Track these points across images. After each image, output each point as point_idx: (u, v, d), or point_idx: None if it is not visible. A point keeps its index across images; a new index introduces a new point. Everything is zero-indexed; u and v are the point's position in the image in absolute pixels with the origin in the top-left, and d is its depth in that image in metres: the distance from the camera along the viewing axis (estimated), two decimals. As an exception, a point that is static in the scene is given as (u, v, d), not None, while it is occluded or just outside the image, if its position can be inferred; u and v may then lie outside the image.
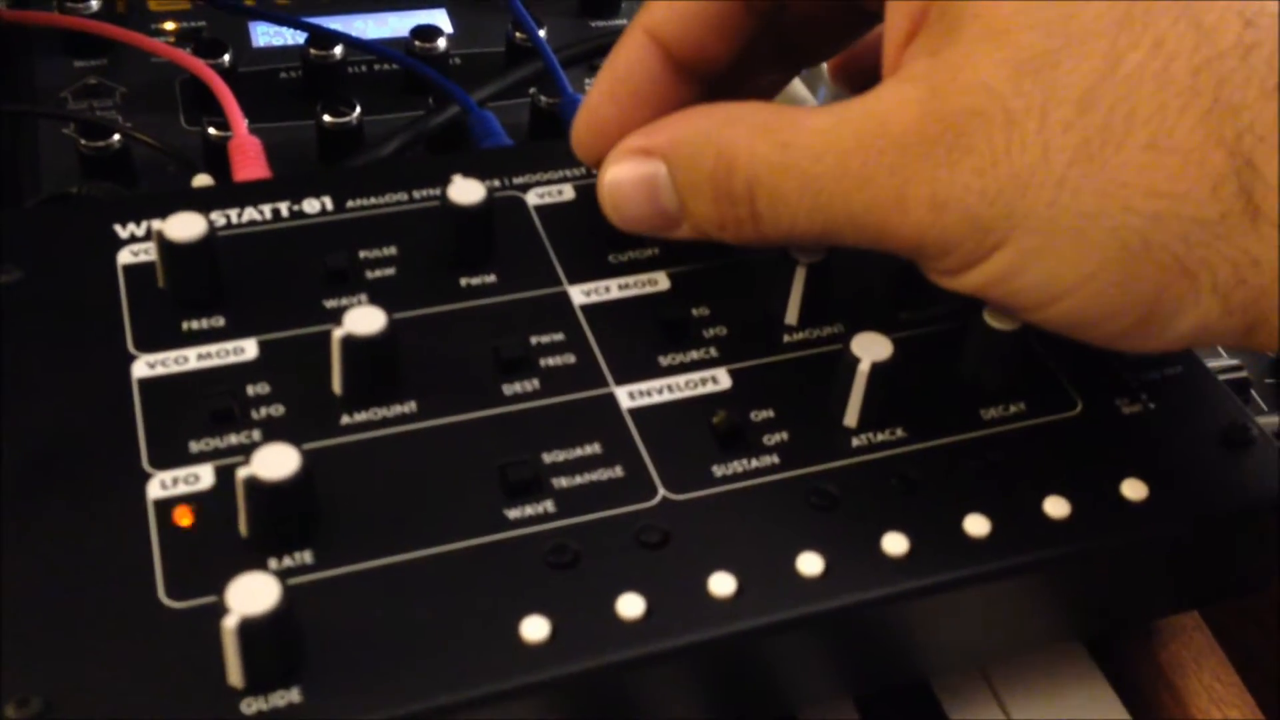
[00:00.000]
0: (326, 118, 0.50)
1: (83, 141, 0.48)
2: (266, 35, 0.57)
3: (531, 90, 0.53)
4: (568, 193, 0.38)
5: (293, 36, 0.57)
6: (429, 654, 0.27)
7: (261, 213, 0.37)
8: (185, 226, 0.33)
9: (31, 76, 0.53)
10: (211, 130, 0.49)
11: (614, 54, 0.34)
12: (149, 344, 0.33)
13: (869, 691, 0.34)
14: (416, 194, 0.38)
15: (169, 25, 0.56)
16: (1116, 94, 0.25)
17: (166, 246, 0.33)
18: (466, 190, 0.35)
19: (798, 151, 0.28)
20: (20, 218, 0.38)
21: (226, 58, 0.52)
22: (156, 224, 0.33)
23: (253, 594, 0.25)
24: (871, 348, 0.31)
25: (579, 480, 0.31)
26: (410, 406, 0.32)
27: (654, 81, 0.33)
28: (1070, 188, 0.25)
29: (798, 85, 0.56)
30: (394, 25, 0.58)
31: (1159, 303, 0.26)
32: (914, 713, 0.34)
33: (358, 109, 0.50)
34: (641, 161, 0.32)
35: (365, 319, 0.31)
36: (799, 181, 0.28)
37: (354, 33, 0.55)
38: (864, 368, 0.31)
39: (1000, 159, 0.26)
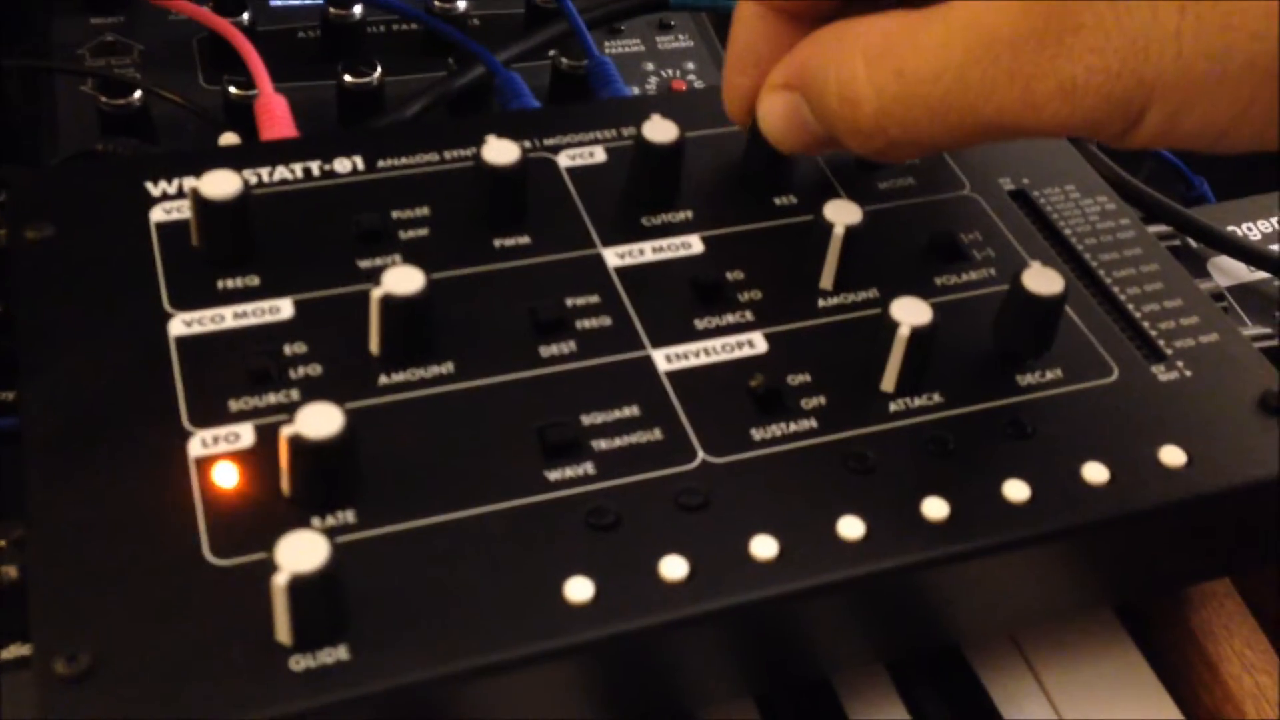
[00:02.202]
0: (347, 78, 0.49)
1: (103, 99, 0.47)
2: (284, -8, 0.56)
3: (552, 53, 0.52)
4: (599, 155, 0.38)
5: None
6: (474, 613, 0.27)
7: (293, 171, 0.36)
8: (220, 184, 0.32)
9: (49, 33, 0.53)
10: (232, 89, 0.48)
11: (732, 29, 0.34)
12: (185, 302, 0.32)
13: (901, 656, 0.34)
14: (448, 154, 0.38)
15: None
16: None
17: (202, 204, 0.33)
18: (501, 150, 0.34)
19: (913, 78, 0.28)
20: (51, 174, 0.37)
21: (246, 16, 0.51)
22: (191, 182, 0.33)
23: (302, 551, 0.25)
24: (911, 312, 0.31)
25: (618, 442, 0.31)
26: (447, 367, 0.32)
27: (776, 40, 0.33)
28: (1190, 35, 0.25)
29: None
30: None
31: None
32: (945, 677, 0.34)
33: (379, 69, 0.50)
34: (781, 95, 0.32)
35: (404, 279, 0.31)
36: (924, 108, 0.28)
37: (373, -9, 0.54)
38: (903, 332, 0.31)
39: (1112, 31, 0.25)
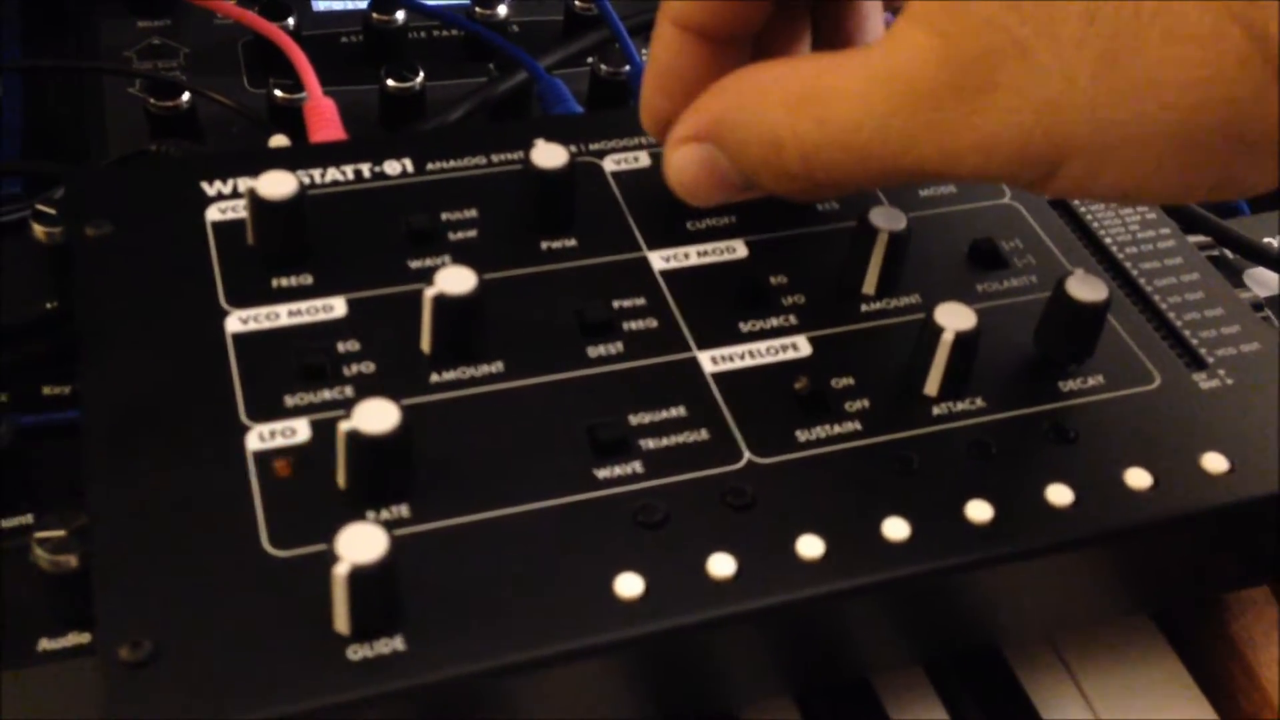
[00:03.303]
0: (390, 82, 0.50)
1: (152, 100, 0.48)
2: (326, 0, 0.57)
3: (590, 59, 0.53)
4: (643, 160, 0.39)
5: (352, 1, 0.57)
6: (527, 607, 0.28)
7: (344, 173, 0.37)
8: (277, 185, 0.33)
9: (96, 36, 0.54)
10: (278, 92, 0.49)
11: (652, 49, 0.34)
12: (240, 299, 0.33)
13: (941, 657, 0.35)
14: (495, 158, 0.38)
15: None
16: None
17: (259, 204, 0.33)
18: (549, 154, 0.35)
19: (836, 126, 0.29)
20: (109, 173, 0.38)
21: (291, 21, 0.52)
22: (249, 182, 0.33)
23: (361, 543, 0.26)
24: (955, 317, 0.32)
25: (665, 442, 0.31)
26: (497, 366, 0.33)
27: (698, 66, 0.33)
28: (1103, 101, 0.25)
29: None
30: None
31: (1230, 170, 0.26)
32: (984, 678, 0.35)
33: (420, 74, 0.50)
34: (694, 147, 0.32)
35: (456, 279, 0.31)
36: (845, 154, 0.29)
37: (413, -2, 0.55)
38: (948, 337, 0.32)
39: (1026, 91, 0.26)
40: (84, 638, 0.31)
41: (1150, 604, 0.36)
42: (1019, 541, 0.30)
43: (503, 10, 0.55)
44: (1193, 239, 0.47)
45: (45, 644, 0.31)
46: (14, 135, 0.51)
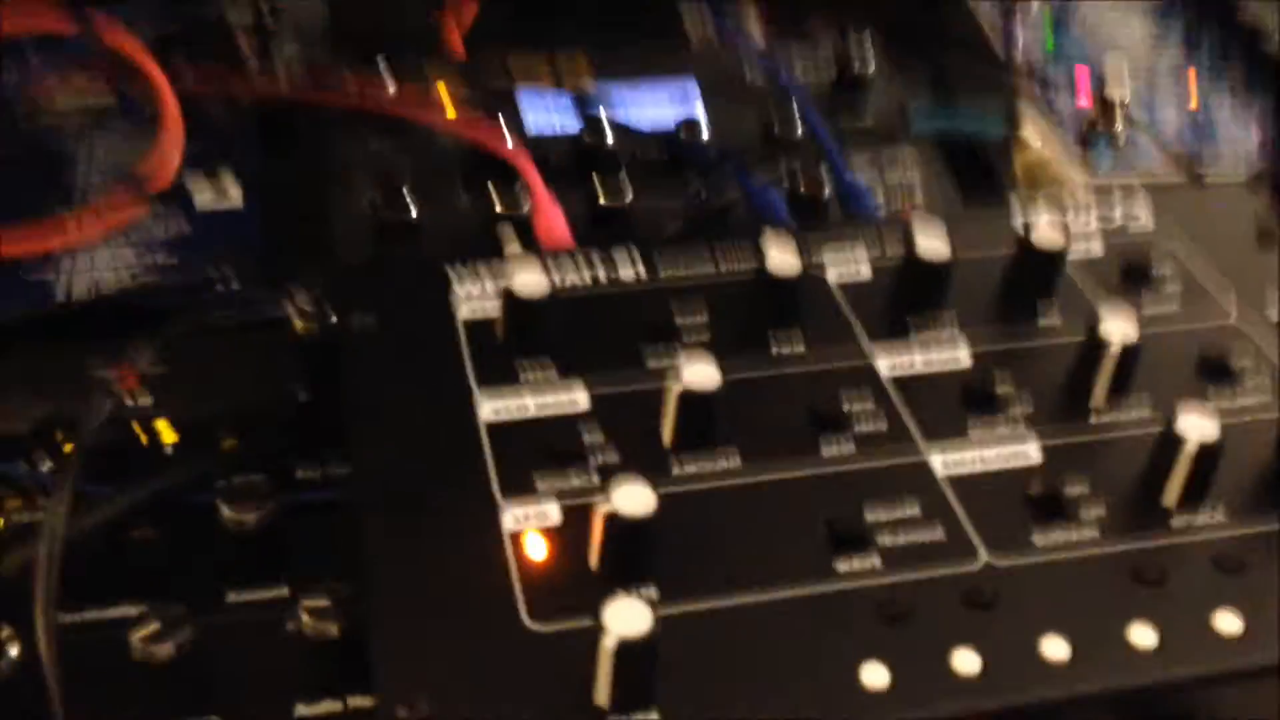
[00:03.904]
0: (601, 200, 0.53)
1: (382, 211, 0.52)
2: (535, 117, 0.61)
3: (784, 183, 0.55)
4: (865, 271, 0.40)
5: (560, 119, 0.60)
6: (775, 690, 0.28)
7: (582, 277, 0.39)
8: (531, 284, 0.35)
9: (328, 152, 0.58)
10: (497, 203, 0.52)
11: None
12: (492, 390, 0.35)
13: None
14: (723, 267, 0.40)
15: (449, 109, 0.61)
16: None
17: (513, 301, 0.35)
18: (783, 261, 0.37)
19: None
20: (371, 270, 0.41)
21: (508, 143, 0.55)
22: (505, 281, 0.36)
23: (628, 617, 0.27)
24: (1198, 427, 0.32)
25: (901, 539, 0.32)
26: (734, 461, 0.34)
27: None
28: None
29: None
30: (650, 100, 0.61)
31: None
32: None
33: (630, 190, 0.53)
34: None
35: (701, 373, 0.33)
36: None
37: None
38: (1190, 447, 0.32)
39: None
40: (337, 705, 0.33)
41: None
42: (1270, 653, 0.30)
43: (705, 135, 0.58)
44: None
45: (301, 709, 0.33)
46: (255, 243, 0.55)
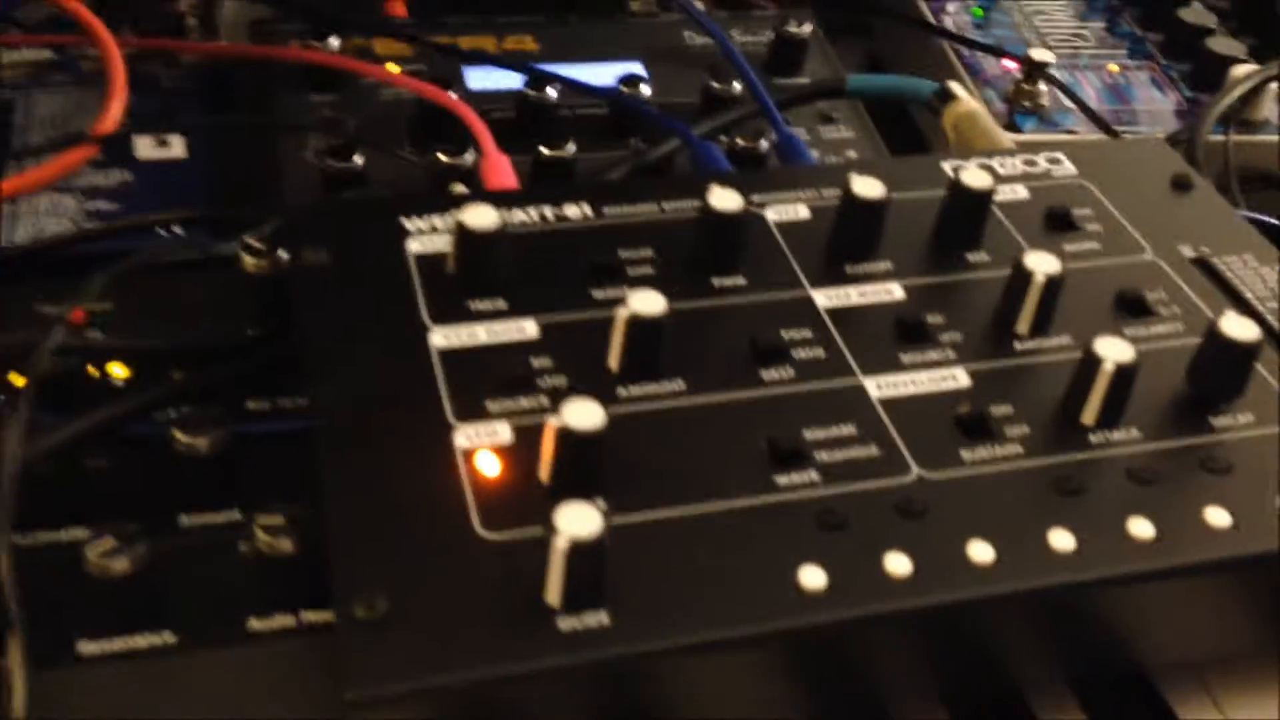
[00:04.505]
0: (543, 150, 0.54)
1: (329, 161, 0.52)
2: (479, 80, 0.61)
3: (722, 137, 0.56)
4: (803, 211, 0.42)
5: (504, 80, 0.61)
6: (720, 592, 0.30)
7: (529, 215, 0.40)
8: (481, 217, 0.36)
9: (273, 108, 0.58)
10: (442, 157, 0.53)
11: None
12: (443, 319, 0.36)
13: (1093, 676, 0.36)
14: (666, 205, 0.41)
15: (393, 68, 0.61)
16: None
17: (464, 234, 0.36)
18: (726, 198, 0.38)
19: None
20: (321, 209, 0.42)
21: (453, 95, 0.56)
22: (456, 214, 0.37)
23: (578, 520, 0.28)
24: (1114, 349, 0.34)
25: (839, 455, 0.34)
26: (678, 385, 0.35)
27: None
28: None
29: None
30: (593, 75, 0.62)
31: None
32: (1135, 705, 0.36)
33: (572, 145, 0.54)
34: None
35: (647, 301, 0.34)
36: None
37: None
38: (1108, 368, 0.34)
39: None
40: (290, 620, 0.33)
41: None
42: (1183, 556, 0.32)
43: (646, 91, 0.59)
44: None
45: (254, 624, 0.33)
46: (199, 192, 0.55)
